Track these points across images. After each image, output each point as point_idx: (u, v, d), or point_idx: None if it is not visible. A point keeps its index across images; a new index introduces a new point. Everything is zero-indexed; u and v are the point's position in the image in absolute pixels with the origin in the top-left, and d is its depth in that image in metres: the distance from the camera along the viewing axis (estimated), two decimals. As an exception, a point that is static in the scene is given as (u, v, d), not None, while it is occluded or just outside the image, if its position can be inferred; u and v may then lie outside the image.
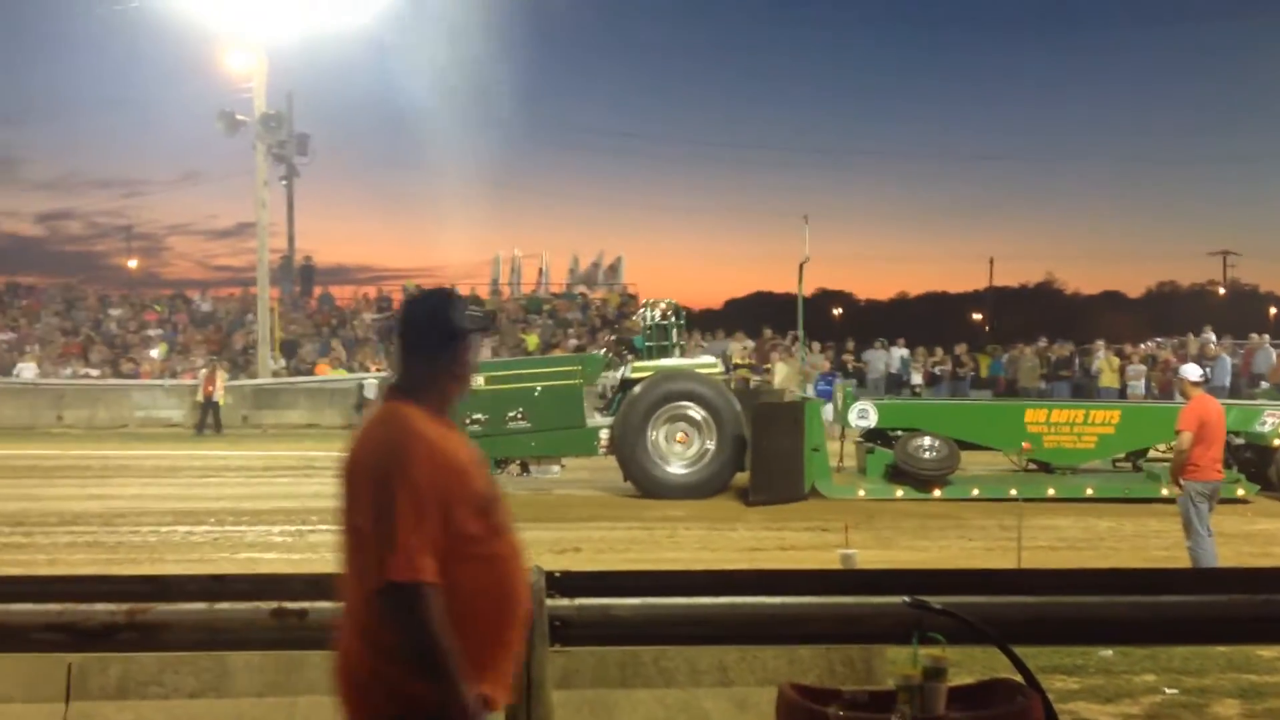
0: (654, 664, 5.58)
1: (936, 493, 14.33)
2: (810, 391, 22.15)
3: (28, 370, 28.21)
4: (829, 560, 9.48)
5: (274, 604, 4.72)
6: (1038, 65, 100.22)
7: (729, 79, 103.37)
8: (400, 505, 2.70)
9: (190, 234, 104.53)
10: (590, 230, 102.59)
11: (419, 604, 2.69)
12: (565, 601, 4.87)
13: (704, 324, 40.13)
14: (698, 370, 15.43)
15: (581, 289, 35.51)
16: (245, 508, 13.89)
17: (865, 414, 15.02)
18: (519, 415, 14.97)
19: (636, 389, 14.98)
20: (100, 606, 4.85)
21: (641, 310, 16.77)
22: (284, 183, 37.97)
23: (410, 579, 2.68)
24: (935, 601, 3.84)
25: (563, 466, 15.57)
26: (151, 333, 31.47)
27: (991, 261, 66.05)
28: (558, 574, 4.89)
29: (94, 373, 28.87)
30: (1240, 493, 14.08)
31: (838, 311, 63.10)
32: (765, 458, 14.05)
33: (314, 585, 4.99)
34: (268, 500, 14.50)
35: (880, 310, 69.46)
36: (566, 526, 12.71)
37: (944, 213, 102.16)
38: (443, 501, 2.77)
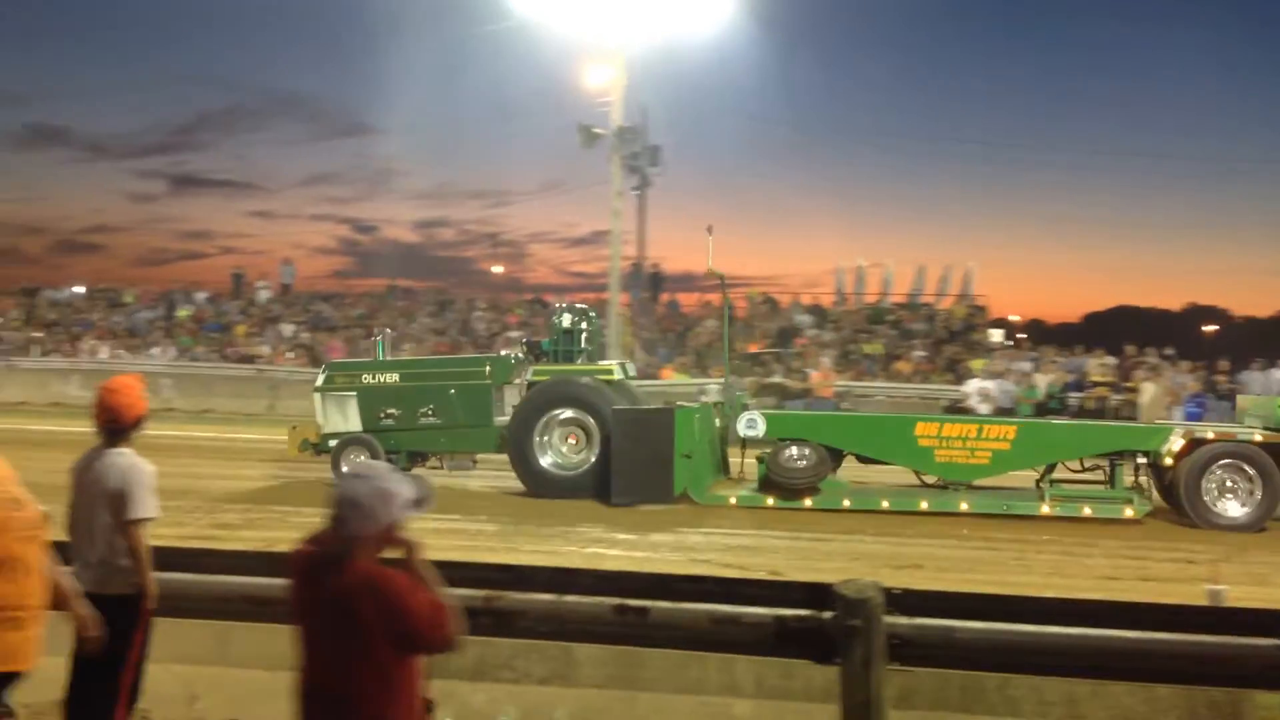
0: (998, 691, 5.38)
1: (807, 502, 14.32)
2: (1179, 415, 20.66)
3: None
4: (1193, 595, 8.81)
5: (617, 600, 4.86)
6: None
7: (1090, 84, 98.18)
8: None
9: (549, 241, 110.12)
10: (939, 239, 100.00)
11: None
12: (905, 620, 4.75)
13: (1061, 338, 38.41)
14: (592, 376, 15.65)
15: (928, 299, 34.69)
16: (592, 504, 14.41)
17: (754, 424, 14.83)
18: (430, 411, 15.84)
19: (529, 391, 15.61)
20: (460, 591, 5.14)
21: (553, 315, 17.19)
22: (636, 192, 39.25)
23: None
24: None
25: (475, 463, 16.36)
26: (513, 334, 33.33)
27: (1395, 275, 59.26)
28: (897, 591, 4.77)
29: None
30: (1129, 513, 13.79)
31: (1210, 328, 58.62)
32: (628, 462, 14.33)
33: (656, 585, 5.11)
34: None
35: (1260, 328, 63.94)
36: (907, 542, 12.47)
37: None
38: None
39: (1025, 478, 14.98)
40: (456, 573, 5.39)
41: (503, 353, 18.30)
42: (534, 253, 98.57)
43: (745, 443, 15.18)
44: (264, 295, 37.47)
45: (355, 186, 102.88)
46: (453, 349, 32.29)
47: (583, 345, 16.37)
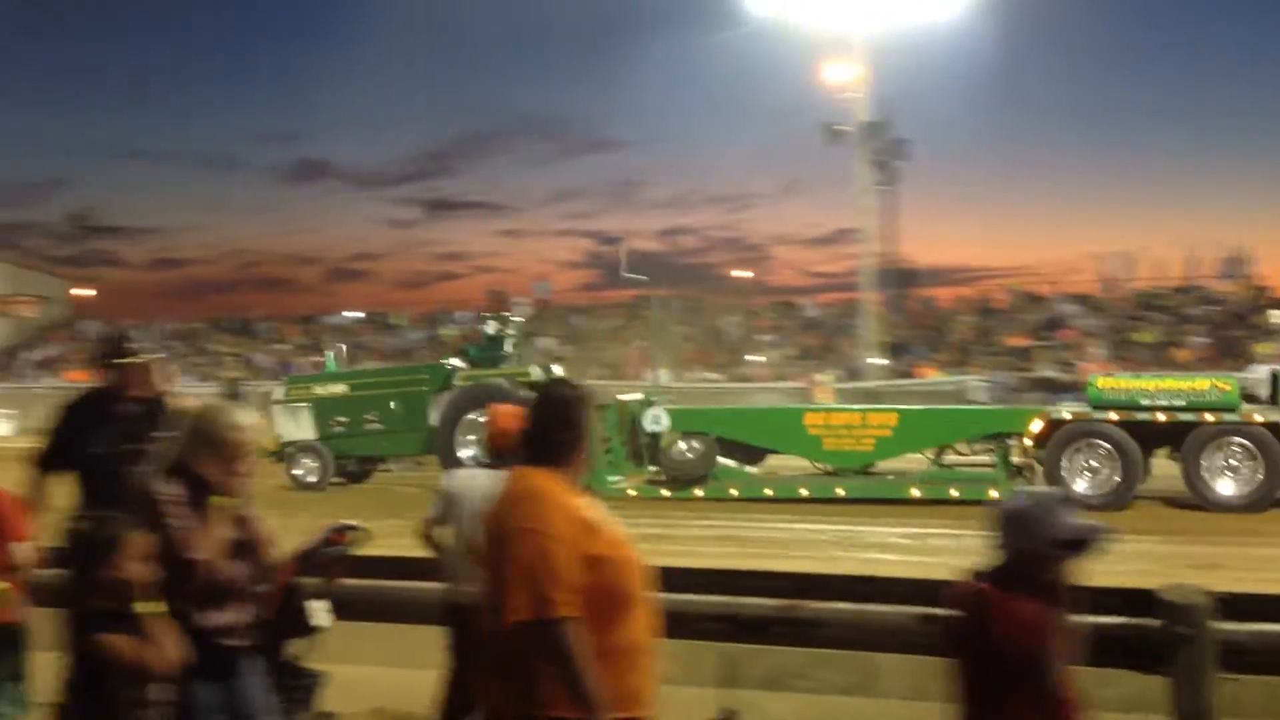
0: (1334, 699, 4.98)
1: (698, 491, 15.15)
2: None
3: (660, 376, 31.00)
4: None
5: (922, 609, 4.74)
6: None
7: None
8: None
9: (790, 243, 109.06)
10: (1203, 219, 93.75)
11: None
12: (1237, 626, 4.47)
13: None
14: (510, 379, 16.71)
15: (1203, 283, 32.72)
16: (863, 507, 14.20)
17: (658, 419, 15.55)
18: (374, 419, 17.34)
19: (453, 395, 16.96)
20: (755, 600, 5.14)
21: (482, 324, 18.60)
22: (884, 188, 38.58)
23: None
24: None
25: (420, 464, 17.48)
26: (765, 338, 33.33)
27: None
28: (1229, 596, 4.49)
29: (713, 376, 31.10)
30: (993, 494, 13.25)
31: None
32: None
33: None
34: (882, 502, 14.69)
35: None
36: (1198, 540, 11.91)
37: None
38: None
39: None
40: (752, 582, 5.42)
41: (442, 361, 19.73)
42: (776, 255, 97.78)
43: (653, 438, 15.81)
44: (524, 312, 38.76)
45: (599, 200, 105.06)
46: (705, 355, 32.59)
47: (506, 350, 17.94)
